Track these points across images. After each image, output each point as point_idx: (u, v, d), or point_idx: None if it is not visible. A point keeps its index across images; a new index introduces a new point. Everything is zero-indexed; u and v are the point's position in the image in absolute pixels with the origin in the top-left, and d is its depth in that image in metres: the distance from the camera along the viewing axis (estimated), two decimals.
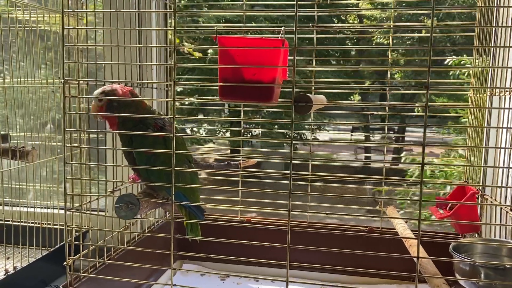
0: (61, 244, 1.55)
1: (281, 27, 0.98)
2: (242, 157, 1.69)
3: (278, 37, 0.94)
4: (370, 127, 8.13)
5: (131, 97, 1.13)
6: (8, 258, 1.53)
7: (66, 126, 1.07)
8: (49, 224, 1.57)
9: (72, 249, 1.09)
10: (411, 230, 1.26)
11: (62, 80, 1.03)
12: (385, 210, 1.57)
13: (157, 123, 1.12)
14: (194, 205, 1.18)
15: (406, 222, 1.35)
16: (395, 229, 1.36)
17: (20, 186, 1.74)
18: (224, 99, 0.98)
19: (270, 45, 0.94)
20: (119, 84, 1.16)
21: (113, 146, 1.27)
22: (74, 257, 1.08)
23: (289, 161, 0.91)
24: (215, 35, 0.96)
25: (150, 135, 1.07)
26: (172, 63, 0.98)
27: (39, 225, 1.55)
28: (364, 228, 1.59)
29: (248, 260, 0.98)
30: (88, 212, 1.25)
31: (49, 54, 1.64)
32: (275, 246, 0.93)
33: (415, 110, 2.22)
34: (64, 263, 1.06)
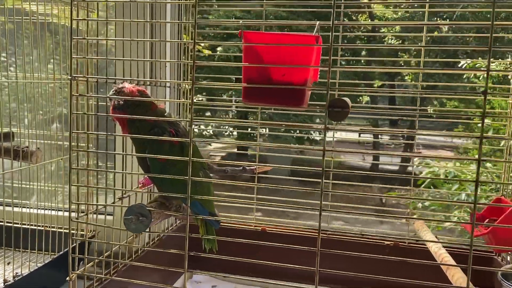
0: (66, 250, 1.46)
1: (314, 24, 0.88)
2: (252, 164, 1.60)
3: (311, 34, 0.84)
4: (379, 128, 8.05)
5: (139, 96, 1.03)
6: (8, 263, 1.44)
7: (73, 127, 0.97)
8: (53, 227, 1.48)
9: (76, 261, 1.00)
10: (446, 248, 1.16)
11: (70, 77, 0.94)
12: (413, 223, 1.46)
13: (173, 127, 1.03)
14: (209, 214, 1.09)
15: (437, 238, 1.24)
16: (424, 245, 1.26)
17: (23, 186, 1.65)
18: (248, 101, 0.88)
19: (303, 42, 0.84)
20: (133, 83, 1.07)
21: (122, 149, 1.17)
22: (78, 272, 0.98)
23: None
24: (240, 30, 0.86)
25: (165, 140, 0.97)
26: (191, 61, 0.88)
27: (42, 227, 1.46)
28: (388, 242, 1.49)
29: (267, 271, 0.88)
30: (95, 216, 1.16)
31: (58, 49, 1.54)
32: (296, 256, 0.83)
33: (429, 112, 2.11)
34: (67, 278, 0.97)
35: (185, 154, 1.02)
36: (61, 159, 1.49)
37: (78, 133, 0.96)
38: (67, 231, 1.36)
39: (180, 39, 1.62)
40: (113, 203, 1.17)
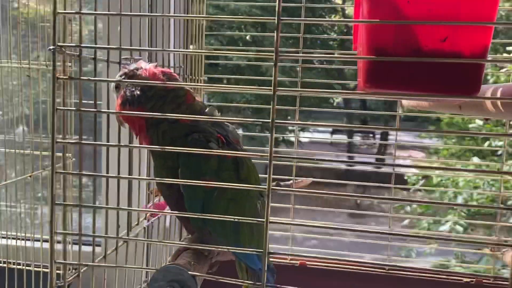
0: None
1: None
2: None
3: None
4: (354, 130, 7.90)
5: (166, 81, 0.65)
6: None
7: (57, 131, 0.57)
8: (19, 263, 1.09)
9: None
10: None
11: (52, 47, 0.54)
12: (501, 256, 1.12)
13: (221, 132, 0.65)
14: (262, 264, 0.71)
15: None
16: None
17: None
18: (373, 87, 0.50)
19: None
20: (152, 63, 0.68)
21: (129, 165, 0.77)
22: None
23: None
24: None
25: (211, 153, 0.59)
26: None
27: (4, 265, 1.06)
28: (468, 280, 1.14)
29: None
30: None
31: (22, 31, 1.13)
32: None
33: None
34: None
35: (241, 175, 0.65)
36: (30, 176, 1.08)
37: (65, 143, 0.56)
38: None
39: (187, 28, 1.20)
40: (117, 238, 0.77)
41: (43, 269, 1.10)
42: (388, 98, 0.97)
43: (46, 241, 1.24)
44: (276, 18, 0.49)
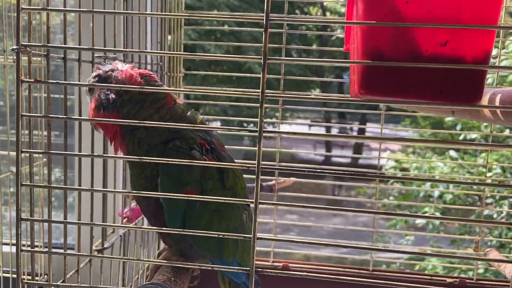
0: None
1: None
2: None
3: None
4: (331, 121, 7.97)
5: (144, 84, 0.60)
6: None
7: (21, 139, 0.52)
8: None
9: None
10: None
11: (16, 47, 0.48)
12: (486, 254, 1.11)
13: (204, 138, 0.60)
14: (247, 277, 0.68)
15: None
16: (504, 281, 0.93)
17: None
18: (369, 94, 0.47)
19: None
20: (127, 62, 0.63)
21: (103, 171, 0.71)
22: None
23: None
24: None
25: (193, 162, 0.54)
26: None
27: None
28: (452, 280, 1.13)
29: None
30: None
31: None
32: None
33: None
34: None
35: (226, 183, 0.60)
36: None
37: (31, 152, 0.51)
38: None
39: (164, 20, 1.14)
40: (91, 251, 0.72)
41: (12, 275, 1.05)
42: (377, 103, 0.94)
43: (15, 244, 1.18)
44: (264, 17, 0.45)
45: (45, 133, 1.06)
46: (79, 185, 0.64)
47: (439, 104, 0.48)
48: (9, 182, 1.03)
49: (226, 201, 0.49)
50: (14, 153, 0.84)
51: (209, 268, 0.52)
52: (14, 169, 1.05)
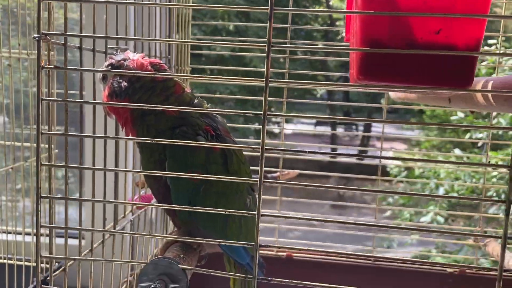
0: None
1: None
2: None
3: None
4: (337, 122, 7.98)
5: (154, 72, 0.63)
6: None
7: (42, 122, 0.55)
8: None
9: None
10: None
11: (37, 35, 0.52)
12: (485, 247, 1.14)
13: (209, 124, 0.64)
14: (251, 259, 0.71)
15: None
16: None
17: None
18: (368, 79, 0.50)
19: None
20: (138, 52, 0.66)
21: (116, 158, 0.75)
22: None
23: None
24: None
25: (198, 146, 0.58)
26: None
27: None
28: (452, 270, 1.16)
29: None
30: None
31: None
32: None
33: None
34: None
35: (230, 168, 0.64)
36: (11, 168, 1.05)
37: (51, 135, 0.54)
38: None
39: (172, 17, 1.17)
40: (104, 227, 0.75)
41: (26, 263, 1.08)
42: (376, 90, 0.97)
43: (28, 234, 1.21)
44: (269, 8, 0.48)
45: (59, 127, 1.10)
46: (93, 172, 0.68)
47: (433, 88, 0.51)
48: (23, 171, 1.06)
49: (230, 181, 0.52)
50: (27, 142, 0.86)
51: (215, 243, 0.55)
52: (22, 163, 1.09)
